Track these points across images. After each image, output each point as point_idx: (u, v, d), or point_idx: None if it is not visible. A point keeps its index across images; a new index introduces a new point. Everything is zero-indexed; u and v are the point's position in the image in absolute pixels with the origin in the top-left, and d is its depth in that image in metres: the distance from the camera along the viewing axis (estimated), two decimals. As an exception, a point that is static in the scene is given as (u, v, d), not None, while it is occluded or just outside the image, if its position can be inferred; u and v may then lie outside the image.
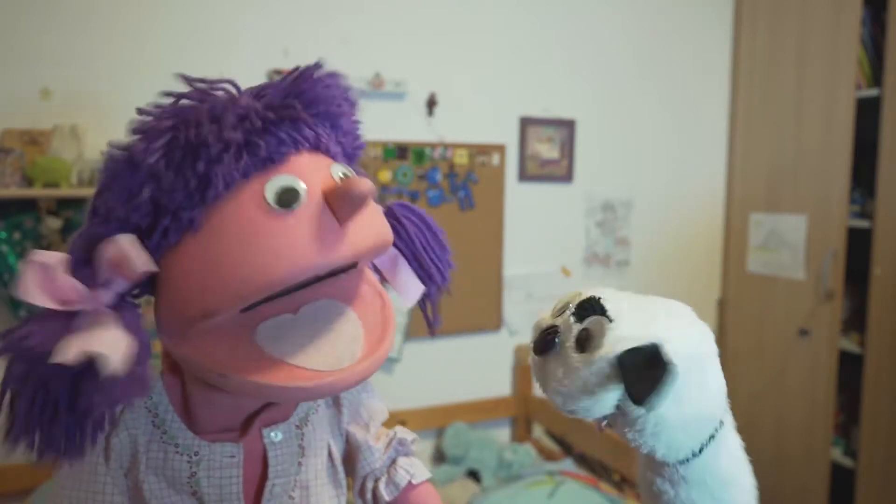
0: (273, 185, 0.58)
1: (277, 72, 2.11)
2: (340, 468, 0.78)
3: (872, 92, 2.28)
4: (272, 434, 0.70)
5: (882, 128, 2.24)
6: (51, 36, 1.89)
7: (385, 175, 2.26)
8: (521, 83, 2.47)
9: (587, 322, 0.58)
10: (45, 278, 0.54)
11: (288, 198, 0.57)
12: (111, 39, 1.95)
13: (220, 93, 0.61)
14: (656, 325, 0.57)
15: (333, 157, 0.66)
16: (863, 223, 2.34)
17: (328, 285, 0.64)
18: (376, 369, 0.63)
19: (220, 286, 0.56)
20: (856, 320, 2.44)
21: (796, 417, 2.57)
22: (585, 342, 0.57)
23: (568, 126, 2.55)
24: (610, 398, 0.56)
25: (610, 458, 2.12)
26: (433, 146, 2.33)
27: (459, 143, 2.37)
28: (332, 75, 0.66)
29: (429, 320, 0.80)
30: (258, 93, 0.62)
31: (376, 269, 0.75)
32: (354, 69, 2.22)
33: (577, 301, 0.60)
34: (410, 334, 2.34)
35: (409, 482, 0.79)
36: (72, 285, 0.55)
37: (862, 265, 2.35)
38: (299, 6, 2.14)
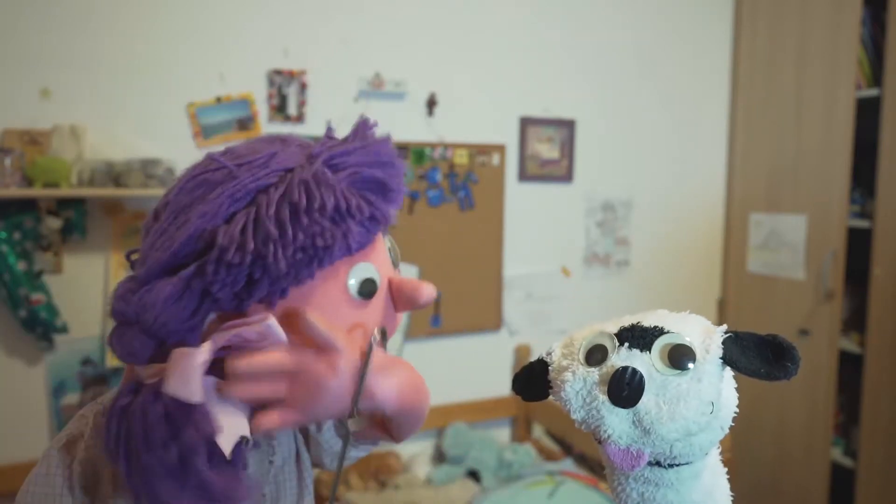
0: (357, 276, 0.60)
1: (277, 72, 2.11)
2: (306, 456, 0.80)
3: (872, 92, 2.28)
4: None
5: (882, 128, 2.24)
6: (51, 36, 1.89)
7: (385, 175, 2.25)
8: (521, 83, 2.47)
9: (660, 344, 0.56)
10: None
11: (370, 290, 0.60)
12: (111, 39, 1.95)
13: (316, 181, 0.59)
14: (698, 324, 0.58)
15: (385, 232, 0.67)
16: (863, 223, 2.34)
17: None
18: None
19: None
20: (856, 320, 2.44)
21: (796, 417, 2.57)
22: (679, 359, 0.54)
23: (568, 126, 2.55)
24: (729, 398, 0.57)
25: (610, 458, 2.12)
26: (433, 146, 2.33)
27: (459, 143, 2.37)
28: (389, 140, 0.65)
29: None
30: (340, 163, 0.59)
31: None
32: (354, 69, 2.22)
33: (612, 334, 0.59)
34: (410, 334, 2.34)
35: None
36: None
37: (862, 265, 2.35)
38: (299, 6, 2.14)
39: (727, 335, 0.56)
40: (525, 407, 2.51)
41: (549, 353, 0.64)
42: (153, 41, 2.00)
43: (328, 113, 2.19)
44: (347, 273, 0.59)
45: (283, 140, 0.63)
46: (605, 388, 0.55)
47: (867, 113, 2.29)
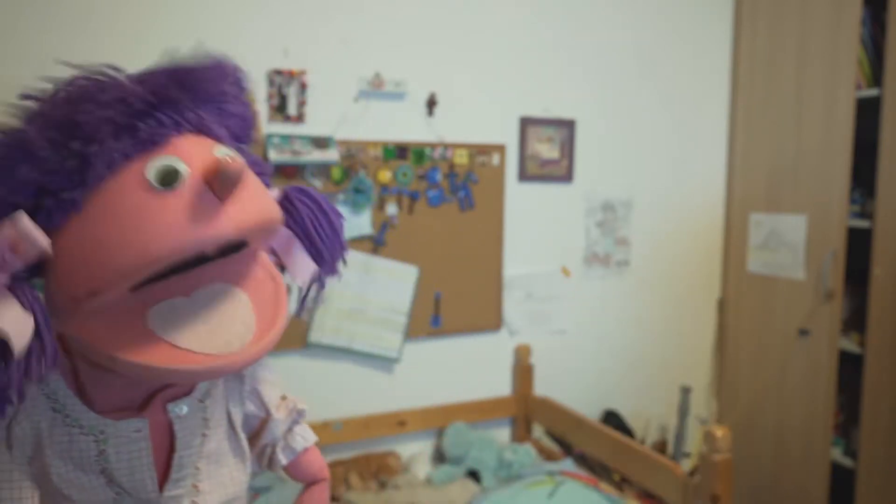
0: (154, 165, 0.59)
1: (278, 72, 2.11)
2: (242, 437, 0.81)
3: (872, 92, 2.28)
4: (177, 408, 0.72)
5: (882, 128, 2.24)
6: (51, 36, 1.89)
7: (385, 175, 2.26)
8: (521, 83, 2.47)
9: None
10: None
11: (169, 178, 0.59)
12: (111, 39, 1.95)
13: (102, 78, 0.63)
14: None
15: (219, 140, 0.68)
16: (863, 223, 2.34)
17: (220, 268, 0.66)
18: (266, 353, 0.66)
19: (103, 264, 0.57)
20: (856, 320, 2.44)
21: (796, 417, 2.57)
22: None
23: (568, 126, 2.55)
24: None
25: (610, 459, 2.12)
26: (433, 146, 2.33)
27: (459, 143, 2.37)
28: (218, 60, 0.68)
29: (303, 300, 0.83)
30: (140, 78, 0.64)
31: (274, 252, 0.78)
32: (354, 69, 2.22)
33: None
34: (410, 334, 2.34)
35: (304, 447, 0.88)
36: None
37: (862, 265, 2.35)
38: (299, 6, 2.14)
39: None
40: (525, 407, 2.52)
41: None
42: (153, 41, 2.00)
43: (328, 113, 2.19)
44: (144, 167, 0.59)
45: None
46: None
47: (867, 113, 2.29)
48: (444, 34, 2.34)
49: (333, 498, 2.14)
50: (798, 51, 2.53)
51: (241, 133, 0.76)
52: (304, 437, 0.89)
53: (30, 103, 0.61)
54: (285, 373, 2.20)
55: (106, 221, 0.58)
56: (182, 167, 0.60)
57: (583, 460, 2.35)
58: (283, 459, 0.86)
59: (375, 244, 2.27)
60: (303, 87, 2.15)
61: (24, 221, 0.55)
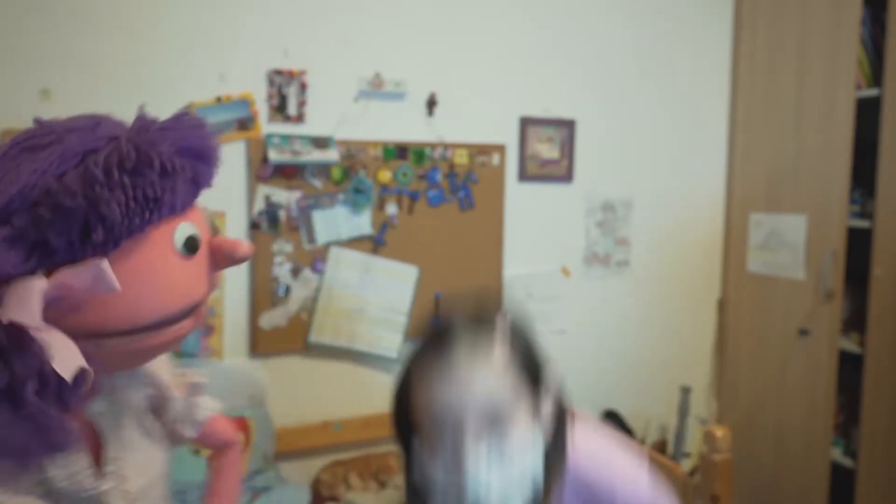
0: (181, 233, 0.68)
1: (278, 72, 2.11)
2: (151, 419, 0.85)
3: (872, 92, 2.28)
4: (94, 407, 0.76)
5: (882, 128, 2.24)
6: (51, 36, 1.89)
7: (385, 175, 2.26)
8: (521, 83, 2.47)
9: None
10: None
11: (192, 246, 0.69)
12: (111, 39, 1.95)
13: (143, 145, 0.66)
14: None
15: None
16: (863, 223, 2.34)
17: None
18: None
19: (122, 311, 0.64)
20: (856, 320, 2.43)
21: (796, 417, 2.57)
22: None
23: (568, 126, 2.55)
24: None
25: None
26: (433, 146, 2.33)
27: (459, 143, 2.37)
28: (205, 125, 0.76)
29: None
30: (165, 141, 0.67)
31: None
32: (354, 69, 2.22)
33: None
34: (410, 334, 2.34)
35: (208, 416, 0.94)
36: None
37: (862, 265, 2.34)
38: (299, 6, 2.14)
39: None
40: (525, 407, 2.51)
41: None
42: (153, 41, 2.00)
43: (328, 113, 2.19)
44: (174, 230, 0.67)
45: (104, 116, 0.73)
46: None
47: (867, 113, 2.29)
48: (445, 34, 2.34)
49: (333, 498, 2.14)
50: (798, 51, 2.53)
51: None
52: (206, 408, 0.93)
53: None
54: (285, 373, 2.21)
55: (130, 275, 0.63)
56: (199, 235, 0.70)
57: (583, 460, 2.35)
58: (190, 432, 0.91)
59: (375, 244, 2.27)
60: (303, 87, 2.15)
61: (105, 266, 0.60)
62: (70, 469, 0.71)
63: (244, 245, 0.71)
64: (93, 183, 0.59)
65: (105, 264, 0.59)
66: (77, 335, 0.62)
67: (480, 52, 2.39)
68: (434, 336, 0.89)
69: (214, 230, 0.76)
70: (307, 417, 2.25)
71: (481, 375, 0.83)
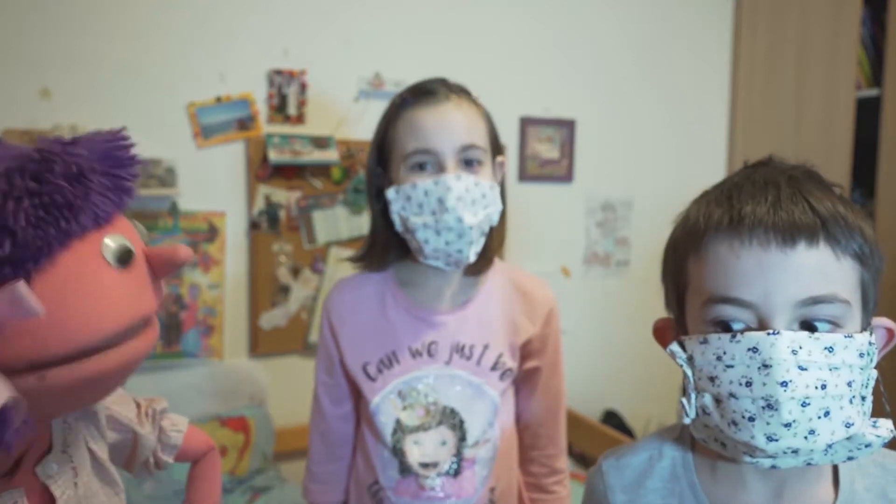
0: (110, 245, 0.62)
1: (277, 72, 2.11)
2: (109, 467, 0.79)
3: (872, 92, 2.28)
4: (46, 468, 0.69)
5: (882, 128, 2.24)
6: (51, 36, 1.89)
7: (385, 175, 2.26)
8: (521, 83, 2.47)
9: None
10: None
11: (125, 257, 0.62)
12: (111, 39, 1.95)
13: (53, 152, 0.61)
14: None
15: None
16: (863, 223, 2.34)
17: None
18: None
19: (53, 336, 0.57)
20: (856, 320, 2.43)
21: (796, 417, 2.57)
22: None
23: (568, 126, 2.55)
24: None
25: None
26: (433, 146, 2.32)
27: (459, 143, 2.36)
28: (122, 132, 0.68)
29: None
30: (73, 148, 0.62)
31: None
32: (354, 69, 2.22)
33: None
34: (410, 334, 2.34)
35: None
36: None
37: (862, 265, 2.34)
38: (299, 6, 2.14)
39: None
40: (525, 407, 2.51)
41: None
42: (153, 41, 2.00)
43: (328, 113, 2.19)
44: (101, 241, 0.61)
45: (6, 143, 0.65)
46: None
47: (867, 113, 2.29)
48: (444, 34, 2.34)
49: (333, 498, 2.14)
50: (798, 51, 2.53)
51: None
52: (177, 429, 0.89)
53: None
54: (285, 373, 2.21)
55: (63, 291, 0.58)
56: (132, 246, 0.64)
57: (582, 460, 2.35)
58: (168, 459, 0.87)
59: (375, 244, 2.27)
60: (303, 87, 2.15)
61: (21, 288, 0.54)
62: None
63: (183, 249, 0.65)
64: None
65: (21, 286, 0.53)
66: (14, 368, 0.56)
67: (480, 52, 2.39)
68: (417, 88, 1.14)
69: (146, 240, 0.71)
70: (307, 417, 2.25)
71: (464, 118, 1.07)
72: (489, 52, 2.40)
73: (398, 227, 1.09)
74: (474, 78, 2.39)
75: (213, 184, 2.07)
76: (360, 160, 2.23)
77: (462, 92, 1.13)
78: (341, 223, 2.22)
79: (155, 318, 0.70)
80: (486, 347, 1.15)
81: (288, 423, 2.19)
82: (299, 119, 2.16)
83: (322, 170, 2.18)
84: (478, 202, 1.07)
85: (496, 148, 1.16)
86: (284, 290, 2.17)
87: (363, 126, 2.25)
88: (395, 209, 1.08)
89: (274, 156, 2.08)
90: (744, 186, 0.68)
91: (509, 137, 2.47)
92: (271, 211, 2.13)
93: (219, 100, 2.07)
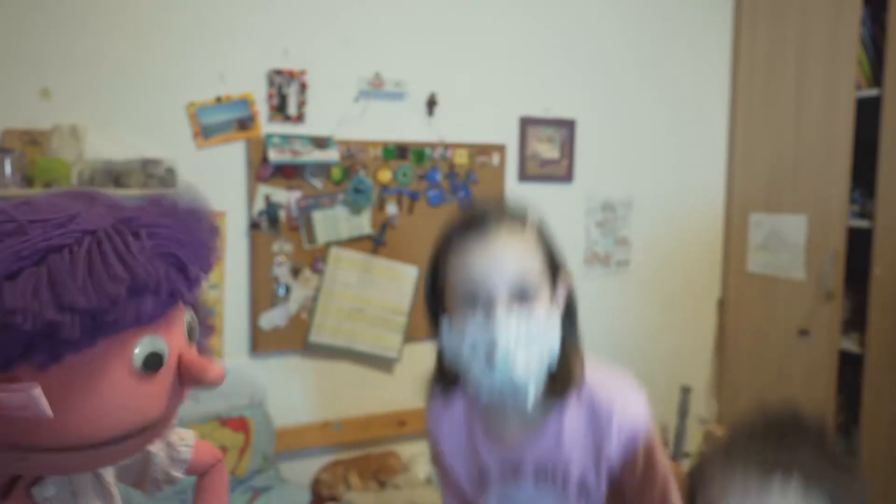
0: (143, 349, 0.57)
1: (277, 72, 2.11)
2: (112, 486, 0.78)
3: (872, 92, 2.28)
4: (44, 490, 0.67)
5: (882, 128, 2.24)
6: (51, 36, 1.89)
7: (385, 175, 2.26)
8: (521, 83, 2.47)
9: None
10: None
11: (155, 364, 0.58)
12: (111, 39, 1.95)
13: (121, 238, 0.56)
14: None
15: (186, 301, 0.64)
16: (863, 223, 2.34)
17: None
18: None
19: (62, 427, 0.55)
20: (856, 320, 2.43)
21: (796, 417, 2.57)
22: None
23: (568, 126, 2.55)
24: None
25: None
26: (433, 146, 2.33)
27: (459, 143, 2.37)
28: (205, 218, 0.63)
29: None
30: (142, 231, 0.56)
31: None
32: (354, 69, 2.22)
33: None
34: (410, 334, 2.34)
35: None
36: None
37: (862, 265, 2.34)
38: (299, 6, 2.14)
39: None
40: (525, 407, 2.51)
41: None
42: (153, 41, 2.00)
43: (328, 113, 2.19)
44: (134, 344, 0.56)
45: (91, 198, 0.60)
46: None
47: (867, 113, 2.29)
48: (444, 34, 2.34)
49: (333, 498, 2.14)
50: (798, 51, 2.53)
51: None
52: (186, 444, 0.87)
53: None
54: (285, 373, 2.21)
55: (68, 389, 0.55)
56: (165, 351, 0.59)
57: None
58: (179, 474, 0.85)
59: (375, 244, 2.27)
60: (303, 87, 2.15)
61: (37, 393, 0.52)
62: None
63: (215, 370, 0.60)
64: (61, 306, 0.50)
65: (37, 391, 0.51)
66: (5, 447, 0.55)
67: (480, 52, 2.39)
68: (468, 218, 1.02)
69: (193, 335, 0.62)
70: (307, 417, 2.25)
71: (514, 253, 0.99)
72: (489, 52, 2.40)
73: (449, 360, 1.05)
74: (475, 78, 2.41)
75: (213, 184, 2.07)
76: (360, 160, 2.23)
77: (516, 218, 1.05)
78: (341, 223, 2.22)
79: (164, 418, 0.64)
80: (567, 468, 1.10)
81: (288, 423, 2.19)
82: (299, 119, 2.16)
83: (322, 170, 2.18)
84: (533, 338, 0.98)
85: (555, 270, 1.08)
86: (284, 290, 2.17)
87: (363, 126, 2.25)
88: (447, 343, 1.04)
89: (274, 156, 2.08)
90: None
91: (509, 137, 2.47)
92: (271, 211, 2.13)
93: (219, 100, 2.07)
